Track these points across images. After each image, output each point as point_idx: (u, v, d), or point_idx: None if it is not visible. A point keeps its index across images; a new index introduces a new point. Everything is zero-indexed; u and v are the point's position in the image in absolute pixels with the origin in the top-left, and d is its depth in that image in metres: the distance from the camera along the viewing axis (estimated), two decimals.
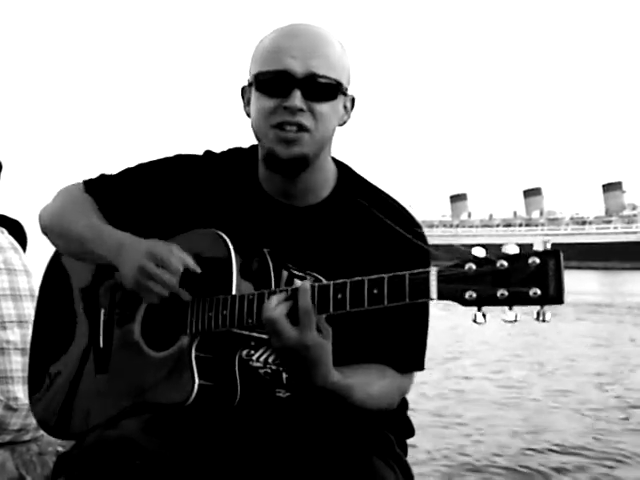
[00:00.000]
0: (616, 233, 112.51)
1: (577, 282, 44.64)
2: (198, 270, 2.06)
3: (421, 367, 2.19)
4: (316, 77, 2.09)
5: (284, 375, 2.18)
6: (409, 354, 2.17)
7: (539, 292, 1.64)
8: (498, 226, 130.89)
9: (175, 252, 2.05)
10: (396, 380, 2.14)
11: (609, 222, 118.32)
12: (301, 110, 2.07)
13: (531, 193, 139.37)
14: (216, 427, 2.13)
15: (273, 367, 2.18)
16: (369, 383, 2.06)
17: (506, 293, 1.67)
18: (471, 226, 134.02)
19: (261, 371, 2.19)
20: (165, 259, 2.04)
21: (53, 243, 2.40)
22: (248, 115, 2.21)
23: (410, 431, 2.33)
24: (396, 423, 2.28)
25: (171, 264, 2.04)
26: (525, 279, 1.66)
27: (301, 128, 2.08)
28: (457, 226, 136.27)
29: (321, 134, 2.12)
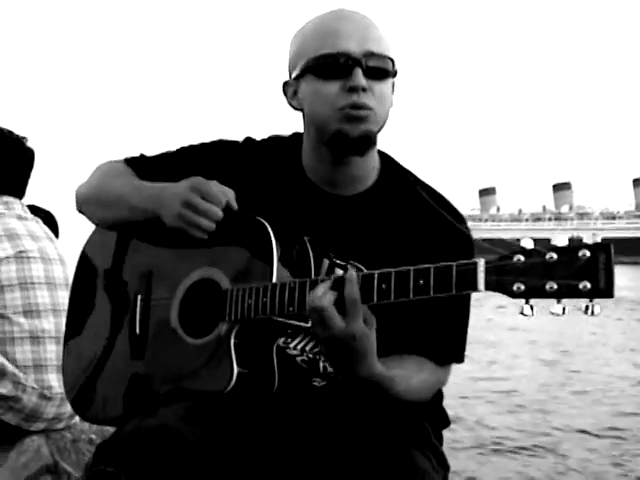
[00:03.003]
0: None
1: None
2: (235, 207, 2.09)
3: (461, 359, 2.19)
4: (373, 56, 2.10)
5: (321, 364, 2.18)
6: (448, 346, 2.16)
7: (589, 285, 1.62)
8: (527, 220, 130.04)
9: (217, 186, 2.09)
10: (435, 373, 2.14)
11: (639, 217, 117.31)
12: (364, 90, 2.07)
13: (560, 187, 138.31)
14: (254, 416, 2.13)
15: (310, 355, 2.18)
16: (410, 376, 2.05)
17: (555, 286, 1.65)
18: (500, 220, 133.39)
19: (298, 359, 2.19)
20: (210, 192, 2.08)
21: (90, 214, 2.41)
22: (294, 108, 2.21)
23: (446, 422, 2.33)
24: (432, 414, 2.28)
25: (216, 196, 2.07)
26: (575, 272, 1.63)
27: (367, 108, 2.08)
28: (486, 220, 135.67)
29: (382, 113, 2.13)
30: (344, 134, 2.10)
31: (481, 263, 1.73)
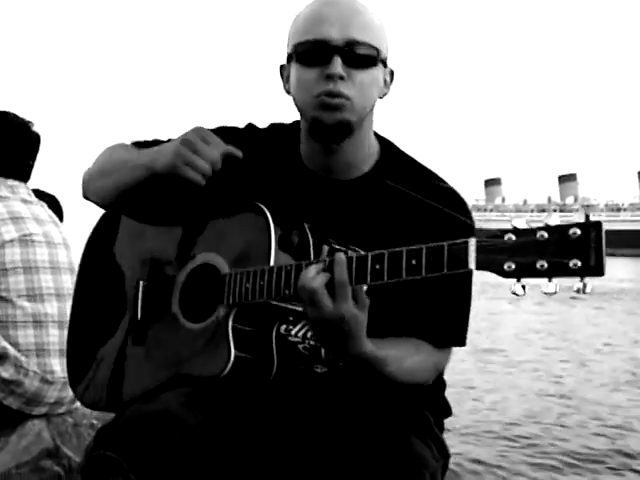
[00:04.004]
0: None
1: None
2: (239, 154, 2.16)
3: (462, 343, 2.18)
4: (355, 44, 2.08)
5: (323, 350, 2.18)
6: (446, 329, 2.15)
7: (579, 263, 1.60)
8: (532, 211, 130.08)
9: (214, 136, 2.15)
10: (432, 355, 2.12)
11: None
12: (342, 78, 2.07)
13: (566, 179, 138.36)
14: (255, 402, 2.14)
15: (312, 342, 2.18)
16: (403, 357, 2.04)
17: (546, 264, 1.63)
18: (505, 211, 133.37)
19: (300, 346, 2.19)
20: (211, 137, 2.13)
21: (94, 190, 2.41)
22: (288, 92, 2.21)
23: (447, 411, 2.32)
24: (433, 403, 2.27)
25: (216, 141, 2.12)
26: (565, 250, 1.61)
27: (343, 96, 2.08)
28: (491, 210, 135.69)
29: (362, 102, 2.11)
30: (319, 121, 2.11)
31: (472, 242, 1.71)
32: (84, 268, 2.54)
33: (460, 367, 11.08)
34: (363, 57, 2.10)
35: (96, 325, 2.40)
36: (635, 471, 6.98)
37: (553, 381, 11.30)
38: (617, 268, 50.77)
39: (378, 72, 2.14)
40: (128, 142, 2.41)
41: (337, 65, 2.06)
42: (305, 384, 2.18)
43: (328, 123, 2.10)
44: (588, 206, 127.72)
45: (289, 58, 2.18)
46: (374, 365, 1.98)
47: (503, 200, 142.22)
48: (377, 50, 2.12)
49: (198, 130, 2.14)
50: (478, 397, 9.85)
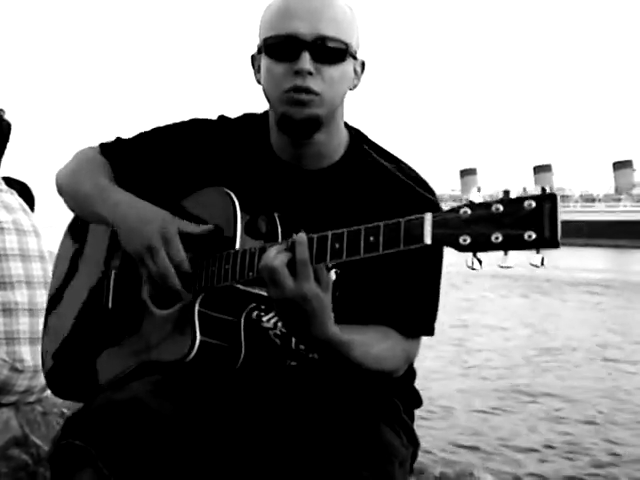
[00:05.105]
0: (626, 211, 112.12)
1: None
2: (190, 270, 2.06)
3: (430, 332, 2.17)
4: (325, 39, 2.07)
5: (293, 339, 2.18)
6: (415, 317, 2.14)
7: (534, 235, 1.58)
8: None
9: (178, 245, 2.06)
10: (401, 343, 2.10)
11: (619, 200, 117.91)
12: (310, 74, 2.06)
13: (541, 169, 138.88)
14: (223, 389, 2.14)
15: (283, 330, 2.18)
16: (369, 343, 2.03)
17: (500, 237, 1.61)
18: None
19: (271, 332, 2.19)
20: (172, 249, 2.05)
21: (67, 204, 2.43)
22: (259, 82, 2.20)
23: (417, 401, 2.32)
24: (403, 392, 2.27)
25: (176, 244, 2.05)
26: (520, 222, 1.60)
27: (311, 92, 2.07)
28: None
29: (331, 97, 2.11)
30: (288, 116, 2.11)
31: (428, 217, 1.70)
32: (61, 257, 2.54)
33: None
34: (332, 52, 2.09)
35: (68, 315, 2.41)
36: None
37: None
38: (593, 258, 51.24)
39: (348, 66, 2.14)
40: (97, 146, 2.40)
41: (305, 61, 2.06)
42: (275, 375, 2.18)
43: (297, 118, 2.10)
44: (563, 196, 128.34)
45: (259, 50, 2.17)
46: (339, 349, 1.96)
47: (479, 190, 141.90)
48: (347, 44, 2.11)
49: (163, 232, 2.07)
50: None
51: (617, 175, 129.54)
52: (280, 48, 2.09)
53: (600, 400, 10.59)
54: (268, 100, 2.18)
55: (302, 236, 1.87)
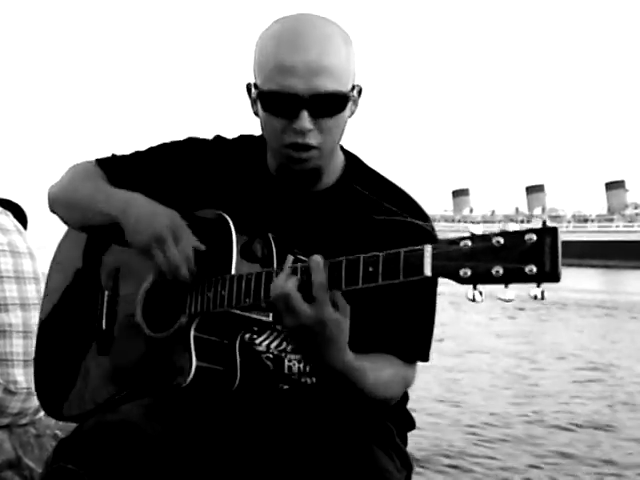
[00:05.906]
0: (618, 232, 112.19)
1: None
2: (194, 269, 2.06)
3: (425, 358, 2.17)
4: (322, 95, 2.04)
5: (286, 363, 2.17)
6: (415, 344, 2.14)
7: (535, 269, 1.58)
8: (500, 222, 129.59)
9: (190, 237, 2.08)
10: (402, 370, 2.11)
11: (611, 220, 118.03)
12: (310, 130, 2.06)
13: (534, 190, 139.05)
14: (216, 414, 2.13)
15: (275, 352, 2.18)
16: (380, 368, 2.03)
17: (501, 270, 1.61)
18: (472, 222, 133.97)
19: (263, 356, 2.18)
20: (181, 231, 2.08)
21: (60, 215, 2.41)
22: (256, 114, 2.17)
23: (410, 424, 2.32)
24: (396, 415, 2.27)
25: (187, 234, 2.08)
26: (521, 256, 1.60)
27: (311, 147, 2.07)
28: (459, 221, 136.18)
29: (330, 145, 2.12)
30: (289, 169, 2.13)
31: (428, 249, 1.70)
32: (52, 278, 2.52)
33: None
34: (330, 106, 2.07)
35: (62, 336, 2.40)
36: None
37: None
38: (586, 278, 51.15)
39: (346, 112, 2.12)
40: (92, 160, 2.39)
41: (305, 120, 2.04)
42: (268, 398, 2.18)
43: (297, 170, 2.12)
44: (556, 217, 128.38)
45: (256, 94, 2.12)
46: (354, 374, 1.95)
47: (471, 211, 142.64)
48: (344, 94, 2.08)
49: (174, 230, 2.09)
50: None
51: (609, 195, 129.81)
52: (278, 105, 2.06)
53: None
54: (267, 141, 2.18)
55: (318, 258, 1.86)
